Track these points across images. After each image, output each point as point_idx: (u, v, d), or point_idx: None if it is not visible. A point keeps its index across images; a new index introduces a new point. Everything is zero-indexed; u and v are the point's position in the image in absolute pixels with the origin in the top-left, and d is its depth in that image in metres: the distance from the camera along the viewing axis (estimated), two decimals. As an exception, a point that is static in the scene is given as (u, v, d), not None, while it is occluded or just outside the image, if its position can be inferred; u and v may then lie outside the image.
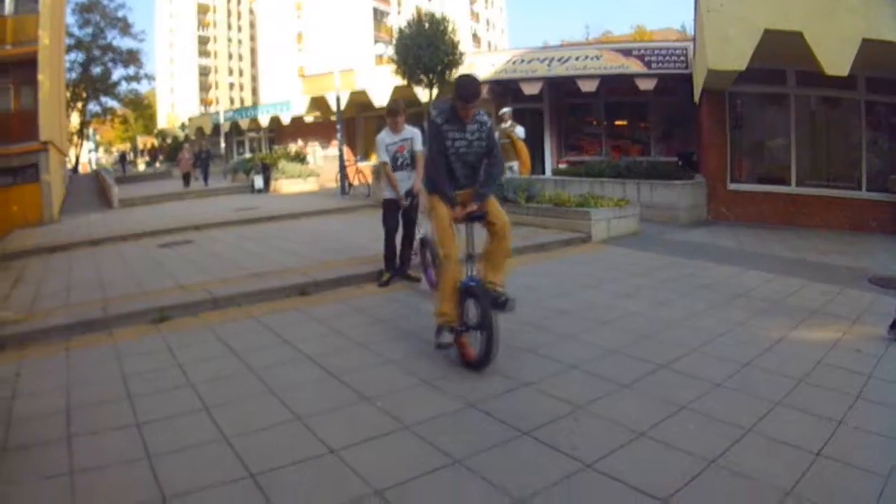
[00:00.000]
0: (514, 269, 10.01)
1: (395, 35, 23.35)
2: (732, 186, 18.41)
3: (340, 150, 27.02)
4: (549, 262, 11.91)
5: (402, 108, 9.64)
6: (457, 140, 6.57)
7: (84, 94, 64.34)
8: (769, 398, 5.61)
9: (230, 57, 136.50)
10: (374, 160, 23.78)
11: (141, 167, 79.33)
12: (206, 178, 37.56)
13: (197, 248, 14.06)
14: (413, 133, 9.66)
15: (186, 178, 36.38)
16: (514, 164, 20.55)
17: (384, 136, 9.61)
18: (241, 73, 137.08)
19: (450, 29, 22.83)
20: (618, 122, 27.89)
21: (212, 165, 40.38)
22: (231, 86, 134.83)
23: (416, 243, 9.97)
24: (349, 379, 6.08)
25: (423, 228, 9.38)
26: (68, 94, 54.18)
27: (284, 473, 4.34)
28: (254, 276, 10.53)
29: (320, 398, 5.67)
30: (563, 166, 24.91)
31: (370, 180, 24.40)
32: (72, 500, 4.12)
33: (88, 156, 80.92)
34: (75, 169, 64.61)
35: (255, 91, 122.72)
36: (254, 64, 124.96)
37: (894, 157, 16.16)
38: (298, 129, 43.92)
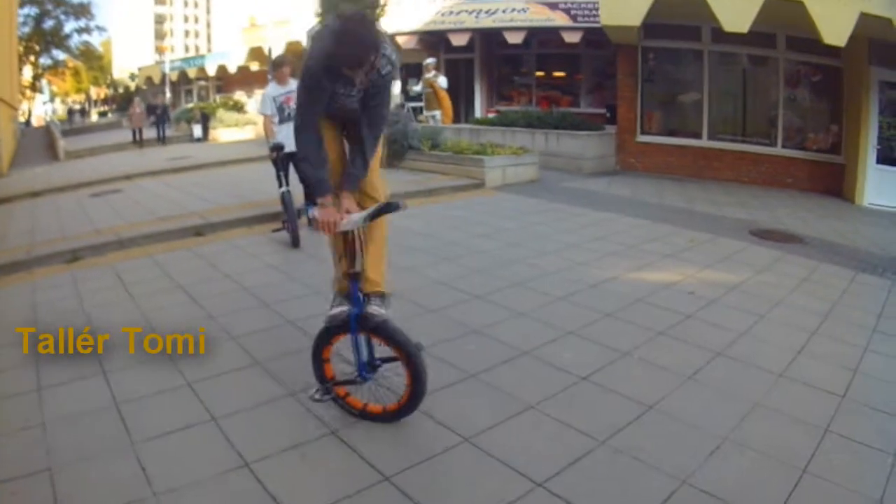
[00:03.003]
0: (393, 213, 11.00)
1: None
2: (642, 138, 19.13)
3: (270, 100, 27.42)
4: (432, 205, 12.50)
5: (288, 60, 10.24)
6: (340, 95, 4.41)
7: (37, 48, 63.66)
8: (564, 328, 6.21)
9: (185, 4, 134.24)
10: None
11: (94, 118, 78.74)
12: (163, 135, 32.17)
13: (122, 197, 14.79)
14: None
15: (138, 134, 31.69)
16: (437, 113, 21.30)
17: (270, 90, 10.18)
18: (196, 20, 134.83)
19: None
20: (550, 74, 28.34)
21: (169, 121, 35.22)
22: (187, 33, 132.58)
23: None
24: (205, 302, 7.20)
25: (285, 185, 9.91)
26: (21, 49, 53.68)
27: (127, 372, 5.50)
28: (160, 219, 11.44)
29: (176, 317, 6.78)
30: (490, 115, 25.29)
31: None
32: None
33: (43, 108, 79.94)
34: (28, 122, 64.20)
35: (209, 39, 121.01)
36: (209, 11, 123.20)
37: (812, 116, 16.76)
38: (245, 77, 43.59)
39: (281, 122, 10.07)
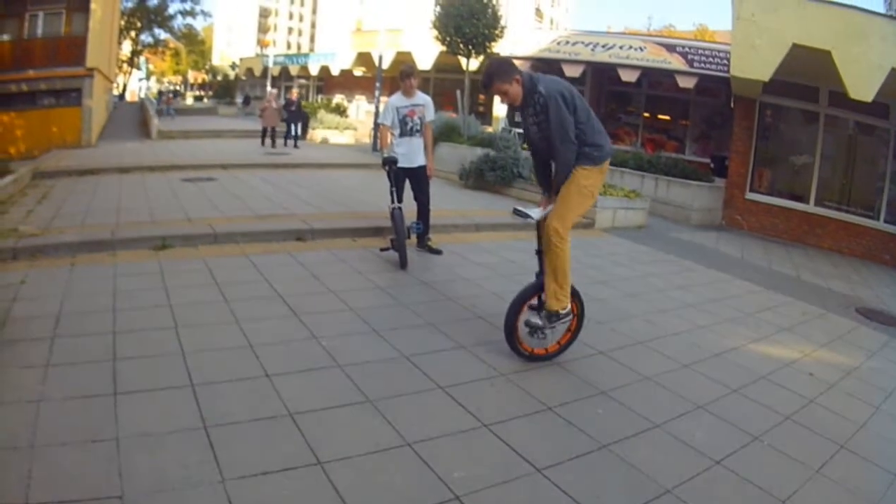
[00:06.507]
0: (503, 244, 10.38)
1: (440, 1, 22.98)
2: (751, 196, 18.52)
3: (377, 108, 27.37)
4: (543, 241, 11.78)
5: (415, 71, 9.64)
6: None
7: (139, 24, 64.84)
8: (693, 401, 5.74)
9: (292, 1, 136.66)
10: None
11: (189, 101, 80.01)
12: (296, 137, 27.84)
13: (217, 186, 14.46)
14: (425, 100, 9.67)
15: (269, 135, 26.73)
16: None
17: (395, 100, 9.58)
18: (301, 19, 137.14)
19: (494, 2, 22.31)
20: (657, 116, 27.84)
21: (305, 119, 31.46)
22: (290, 30, 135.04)
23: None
24: (307, 319, 6.58)
25: (397, 202, 9.31)
26: (122, 23, 54.59)
27: (219, 387, 4.91)
28: (259, 217, 10.97)
29: (276, 332, 6.19)
30: (597, 153, 24.84)
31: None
32: (42, 386, 4.70)
33: (139, 84, 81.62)
34: (122, 96, 65.32)
35: (312, 38, 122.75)
36: (315, 11, 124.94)
37: None
38: (347, 81, 44.06)
39: (402, 135, 9.52)
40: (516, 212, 6.04)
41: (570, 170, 5.73)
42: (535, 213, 5.93)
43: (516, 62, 6.11)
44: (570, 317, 6.18)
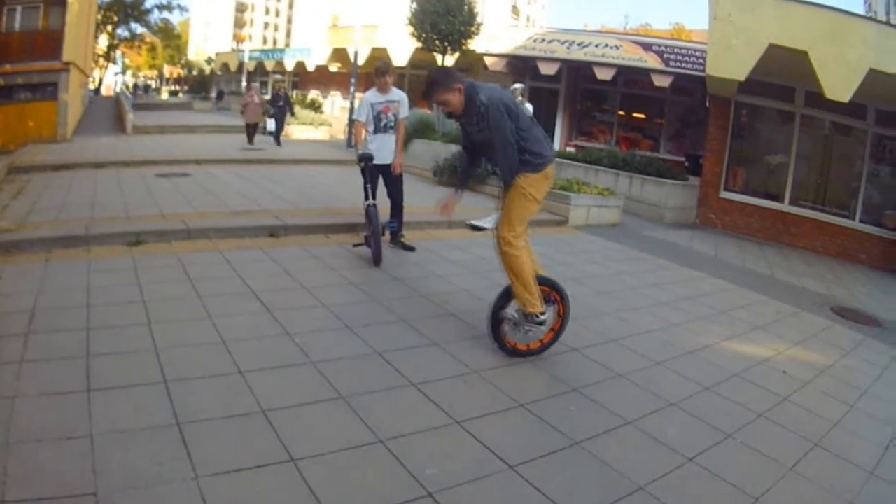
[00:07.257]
0: (476, 241, 10.41)
1: (414, -1, 23.07)
2: (725, 194, 18.60)
3: (352, 104, 27.31)
4: (514, 238, 11.80)
5: (391, 68, 9.65)
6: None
7: (115, 18, 64.41)
8: (665, 398, 5.79)
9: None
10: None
11: (164, 95, 79.64)
12: (279, 134, 26.20)
13: (191, 182, 14.40)
14: (401, 97, 9.67)
15: (252, 131, 24.89)
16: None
17: (370, 96, 9.56)
18: (277, 14, 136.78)
19: (470, -1, 22.36)
20: (633, 115, 27.90)
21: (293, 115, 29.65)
22: (266, 25, 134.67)
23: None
24: (280, 315, 6.57)
25: (371, 198, 9.31)
26: (99, 17, 54.24)
27: (192, 384, 4.90)
28: (232, 213, 10.97)
29: (248, 328, 6.19)
30: (570, 149, 24.70)
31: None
32: (17, 382, 4.70)
33: (114, 78, 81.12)
34: (98, 91, 64.90)
35: (288, 34, 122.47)
36: (291, 6, 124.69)
37: (893, 193, 16.30)
38: (322, 76, 43.84)
39: (375, 131, 9.51)
40: (472, 226, 6.22)
41: (513, 176, 5.92)
42: (489, 222, 6.17)
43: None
44: (544, 327, 6.22)
